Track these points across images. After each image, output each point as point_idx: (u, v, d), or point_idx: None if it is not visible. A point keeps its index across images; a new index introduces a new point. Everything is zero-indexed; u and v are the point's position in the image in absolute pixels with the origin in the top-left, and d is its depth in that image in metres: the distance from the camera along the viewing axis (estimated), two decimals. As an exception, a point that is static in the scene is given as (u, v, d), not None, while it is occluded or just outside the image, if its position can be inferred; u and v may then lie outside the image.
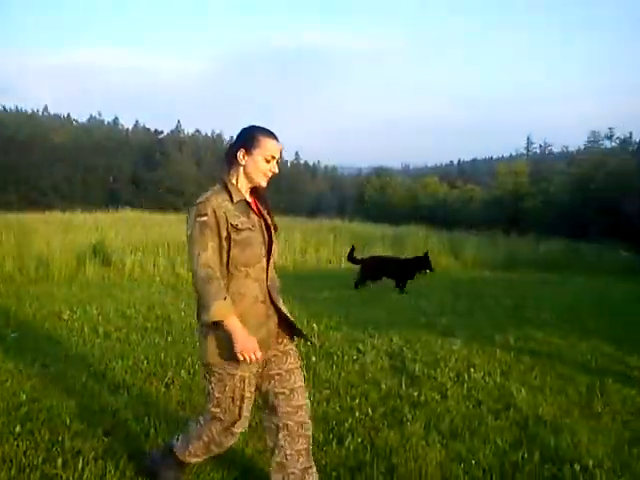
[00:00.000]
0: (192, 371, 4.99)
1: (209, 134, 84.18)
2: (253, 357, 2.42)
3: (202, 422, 2.69)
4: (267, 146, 2.60)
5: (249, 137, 2.61)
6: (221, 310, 2.39)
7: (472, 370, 5.34)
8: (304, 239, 15.89)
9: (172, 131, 77.43)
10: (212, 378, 2.58)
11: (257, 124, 2.69)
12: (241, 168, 2.60)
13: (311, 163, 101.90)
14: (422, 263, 11.17)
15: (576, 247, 19.91)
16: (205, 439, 2.68)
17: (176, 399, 4.32)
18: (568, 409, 4.52)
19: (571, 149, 50.76)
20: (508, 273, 14.85)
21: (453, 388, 4.82)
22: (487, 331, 7.24)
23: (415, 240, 17.57)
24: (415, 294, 10.32)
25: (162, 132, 72.59)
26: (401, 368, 5.39)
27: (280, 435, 2.66)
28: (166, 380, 4.72)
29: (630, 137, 37.78)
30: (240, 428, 2.66)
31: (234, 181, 2.61)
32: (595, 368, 5.84)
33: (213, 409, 2.61)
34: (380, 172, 59.84)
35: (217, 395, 2.57)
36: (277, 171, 2.64)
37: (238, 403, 2.58)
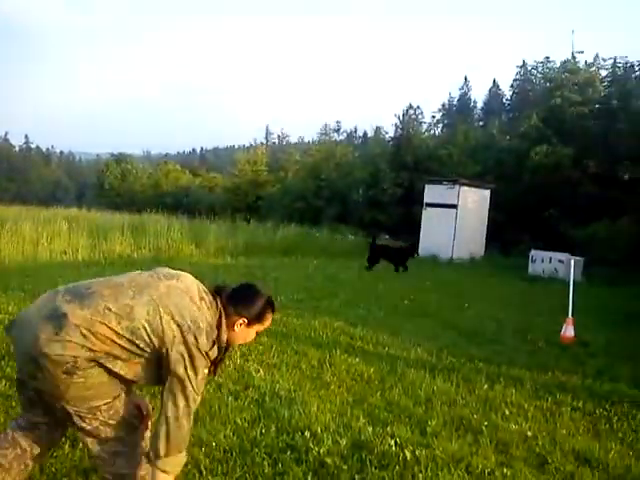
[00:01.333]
0: None
1: None
2: None
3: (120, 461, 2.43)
4: (266, 323, 2.62)
5: (259, 312, 2.58)
6: (180, 464, 2.41)
7: (213, 355, 5.46)
8: (36, 229, 14.55)
9: None
10: (102, 413, 2.34)
11: (266, 293, 2.65)
12: (231, 331, 2.54)
13: (44, 148, 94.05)
14: (412, 250, 14.90)
15: (310, 232, 21.38)
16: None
17: None
18: (301, 382, 4.88)
19: (307, 139, 54.38)
20: (248, 259, 15.38)
21: (195, 374, 4.87)
22: (228, 316, 7.43)
23: (157, 229, 17.24)
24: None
25: None
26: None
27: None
28: None
29: (355, 131, 41.70)
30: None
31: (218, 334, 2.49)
32: (326, 342, 6.39)
33: (117, 438, 2.40)
34: (120, 158, 57.46)
35: (115, 418, 2.38)
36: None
37: (131, 405, 2.48)
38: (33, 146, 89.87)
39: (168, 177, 51.61)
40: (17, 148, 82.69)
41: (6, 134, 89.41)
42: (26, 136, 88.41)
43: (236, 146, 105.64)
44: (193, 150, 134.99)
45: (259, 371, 5.07)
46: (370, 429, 3.89)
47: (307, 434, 3.71)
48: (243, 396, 4.42)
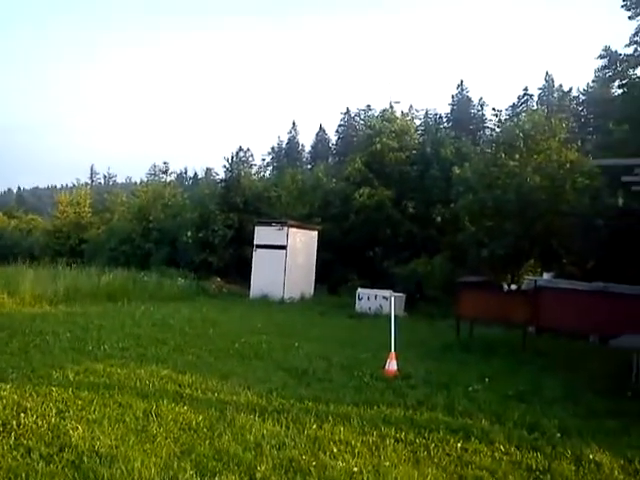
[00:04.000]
0: None
1: None
2: None
3: None
4: None
5: None
6: None
7: (23, 415, 4.96)
8: None
9: None
10: None
11: None
12: None
13: None
14: None
15: (138, 276, 20.54)
16: None
17: None
18: (125, 437, 4.60)
19: (134, 180, 52.70)
20: (70, 306, 14.40)
21: (-2, 440, 4.39)
22: (44, 370, 6.86)
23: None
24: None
25: None
26: None
27: None
28: None
29: (185, 172, 41.22)
30: None
31: None
32: (152, 392, 6.11)
33: None
34: None
35: None
36: None
37: None
38: None
39: (-22, 219, 47.34)
40: None
41: None
42: None
43: (58, 186, 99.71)
44: (9, 190, 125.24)
45: (77, 428, 4.69)
46: (197, 481, 3.75)
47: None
48: (57, 459, 4.05)
